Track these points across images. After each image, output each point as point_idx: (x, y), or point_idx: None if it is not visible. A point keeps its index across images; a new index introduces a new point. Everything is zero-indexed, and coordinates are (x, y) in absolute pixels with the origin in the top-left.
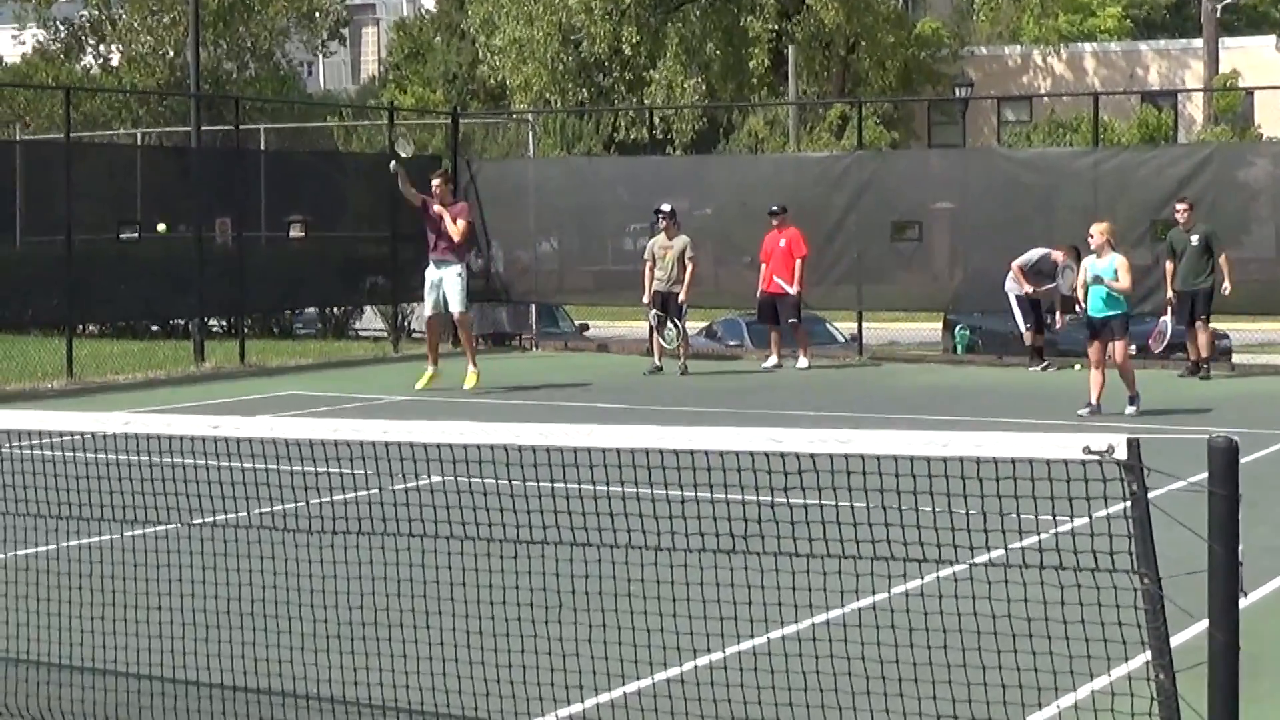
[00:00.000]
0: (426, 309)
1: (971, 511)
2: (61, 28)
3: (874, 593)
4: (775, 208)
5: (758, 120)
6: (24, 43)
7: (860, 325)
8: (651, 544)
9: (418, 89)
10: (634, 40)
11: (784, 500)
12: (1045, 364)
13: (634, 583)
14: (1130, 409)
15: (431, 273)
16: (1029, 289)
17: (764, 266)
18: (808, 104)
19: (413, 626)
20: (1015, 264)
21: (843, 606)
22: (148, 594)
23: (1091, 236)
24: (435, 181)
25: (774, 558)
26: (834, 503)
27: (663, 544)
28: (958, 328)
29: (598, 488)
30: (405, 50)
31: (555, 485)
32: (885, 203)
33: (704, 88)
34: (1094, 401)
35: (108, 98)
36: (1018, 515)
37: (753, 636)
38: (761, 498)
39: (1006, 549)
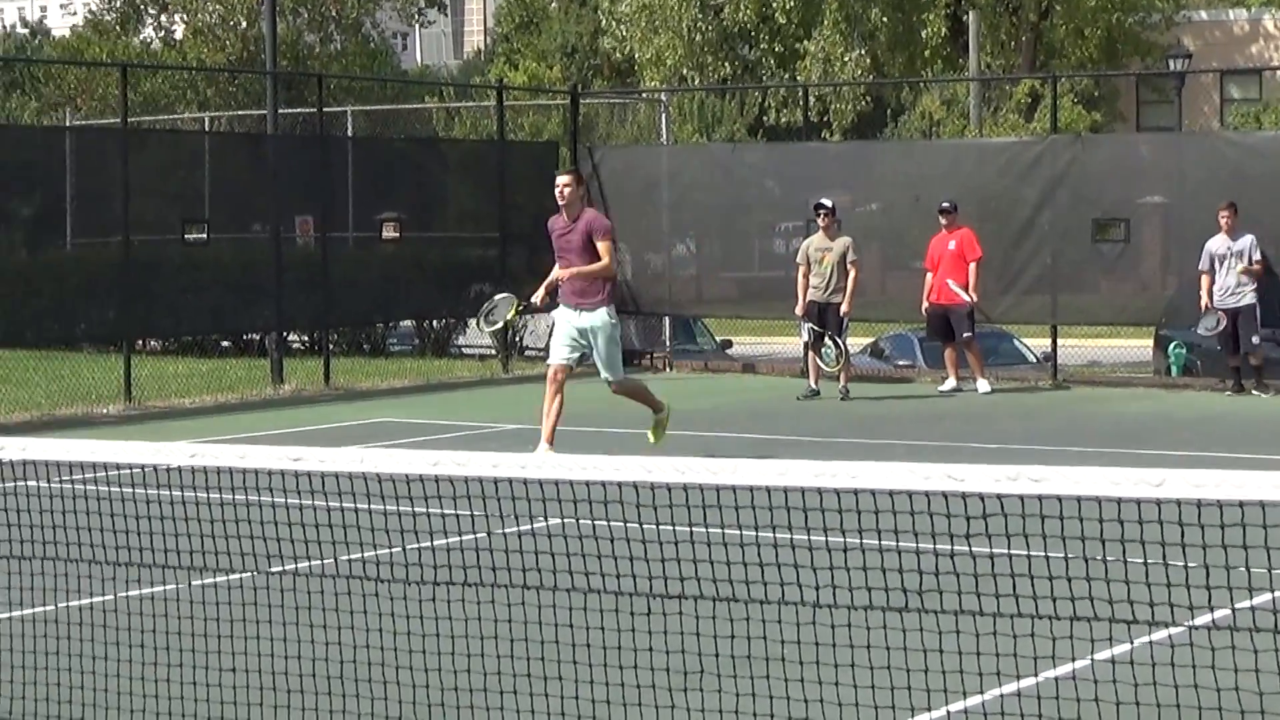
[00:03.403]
0: (555, 358)
1: (1190, 564)
2: None
3: (1073, 659)
4: (946, 204)
5: (932, 99)
6: (74, 13)
7: (1054, 342)
8: (809, 599)
9: (531, 64)
10: (786, 6)
11: (965, 549)
12: (1252, 385)
13: (787, 645)
14: None
15: (569, 317)
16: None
17: (930, 275)
18: (992, 80)
19: (529, 694)
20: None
21: (1035, 675)
22: (219, 652)
23: None
24: (563, 180)
25: (953, 616)
26: (1025, 552)
27: (822, 600)
28: (1172, 345)
29: (744, 533)
30: (516, 19)
31: (694, 530)
32: (1084, 197)
33: (868, 61)
34: None
35: (170, 76)
36: (1246, 568)
37: (929, 709)
38: (939, 546)
39: (1233, 608)
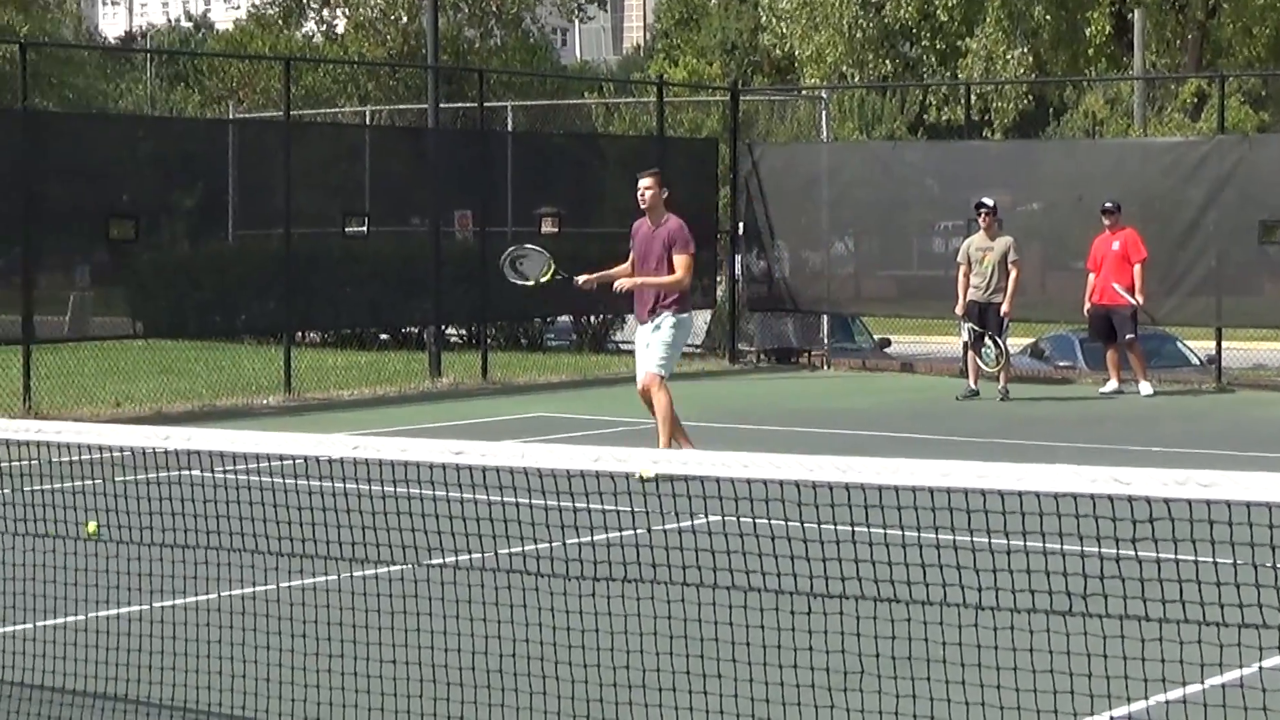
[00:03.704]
0: (640, 375)
1: None
2: None
3: (1240, 666)
4: (1109, 204)
5: (1096, 98)
6: (238, 7)
7: (1219, 345)
8: (970, 601)
9: (690, 60)
10: (948, 3)
11: (1131, 553)
12: None
13: (948, 646)
14: None
15: (643, 336)
16: None
17: (1092, 276)
18: (1157, 79)
19: (687, 691)
20: None
21: (1202, 682)
22: (378, 644)
23: None
24: (645, 183)
25: (1119, 621)
26: (1192, 557)
27: (984, 602)
28: None
29: (905, 533)
30: (676, 15)
31: (855, 529)
32: (1252, 198)
33: (1030, 59)
34: None
35: (332, 70)
36: None
37: (1091, 714)
38: (1104, 550)
39: None
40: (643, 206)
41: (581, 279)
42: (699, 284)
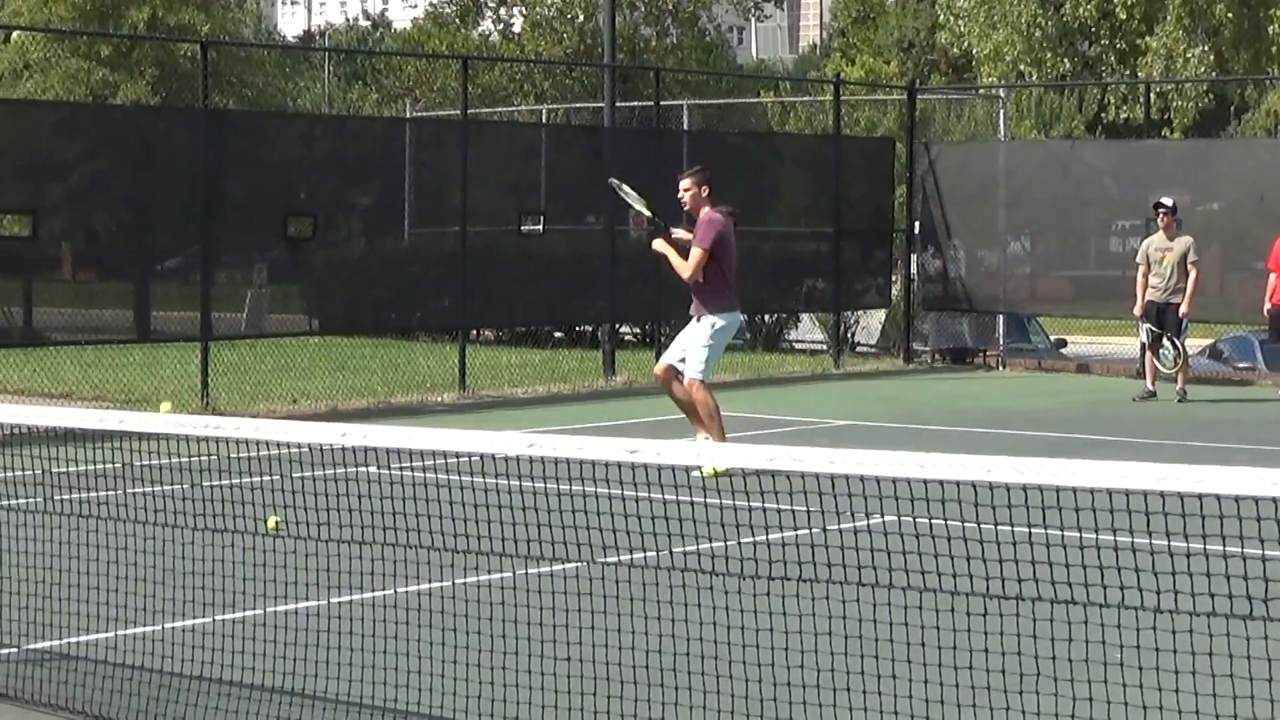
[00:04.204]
0: (663, 361)
1: None
2: None
3: None
4: None
5: (1278, 97)
6: (415, 6)
7: None
8: (1149, 604)
9: (867, 59)
10: (1127, 1)
11: None
12: None
13: (1126, 649)
14: None
15: (689, 327)
16: None
17: (1273, 276)
18: None
19: (861, 691)
20: None
21: None
22: (553, 641)
23: None
24: (684, 184)
25: None
26: None
27: (1162, 605)
28: None
29: (1083, 535)
30: (853, 14)
31: (1033, 531)
32: None
33: (1211, 58)
34: None
35: (508, 69)
36: None
37: (1272, 718)
38: None
39: None
40: (685, 207)
41: (660, 243)
42: (874, 283)
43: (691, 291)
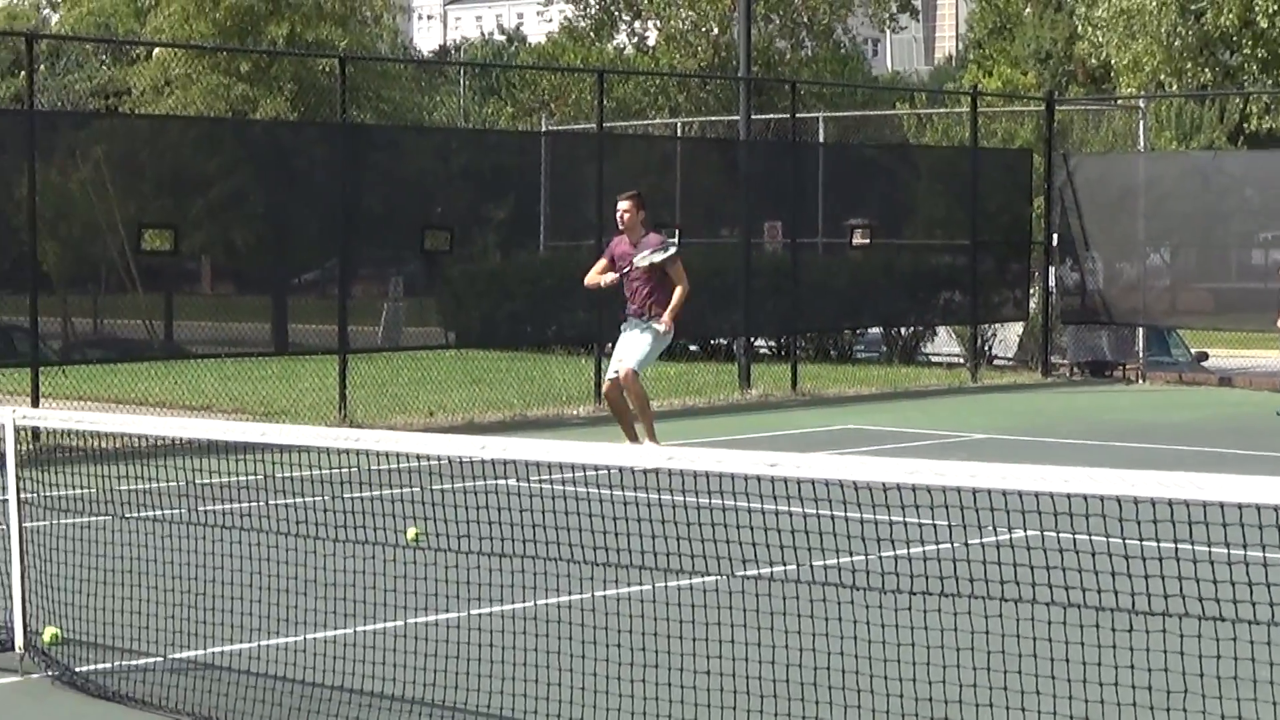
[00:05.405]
0: (610, 371)
1: None
2: (593, 2)
3: None
4: None
5: None
6: (550, 20)
7: None
8: None
9: (1005, 70)
10: (1270, 9)
11: None
12: None
13: (1277, 667)
14: None
15: (630, 325)
16: None
17: None
18: None
19: (1004, 707)
20: None
21: None
22: (692, 655)
23: None
24: (623, 205)
25: None
26: None
27: None
28: None
29: (1231, 551)
30: (990, 24)
31: (1179, 546)
32: None
33: None
34: None
35: (641, 82)
36: None
37: None
38: None
39: None
40: (621, 227)
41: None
42: (1011, 295)
43: (640, 299)
